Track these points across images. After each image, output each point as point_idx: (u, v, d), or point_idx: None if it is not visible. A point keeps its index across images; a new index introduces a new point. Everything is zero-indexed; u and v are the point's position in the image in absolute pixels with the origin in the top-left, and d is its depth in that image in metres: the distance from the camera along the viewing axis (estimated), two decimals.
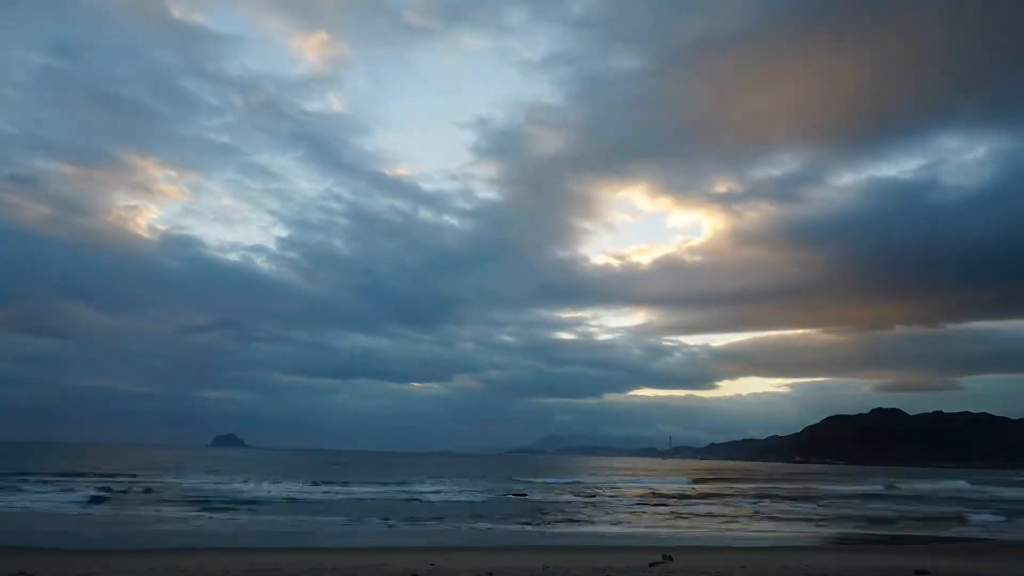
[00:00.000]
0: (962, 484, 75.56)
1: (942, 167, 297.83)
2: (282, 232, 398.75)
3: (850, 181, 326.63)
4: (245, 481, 48.77)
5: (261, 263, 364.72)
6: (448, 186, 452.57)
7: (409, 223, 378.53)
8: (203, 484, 45.78)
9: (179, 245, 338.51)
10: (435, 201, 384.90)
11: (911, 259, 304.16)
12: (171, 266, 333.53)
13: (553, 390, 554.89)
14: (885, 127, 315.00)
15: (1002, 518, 34.82)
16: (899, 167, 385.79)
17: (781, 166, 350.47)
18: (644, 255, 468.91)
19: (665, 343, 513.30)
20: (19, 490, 36.81)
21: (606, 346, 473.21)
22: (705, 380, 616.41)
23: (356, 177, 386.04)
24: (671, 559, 15.86)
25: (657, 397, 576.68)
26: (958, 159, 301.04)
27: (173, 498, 35.72)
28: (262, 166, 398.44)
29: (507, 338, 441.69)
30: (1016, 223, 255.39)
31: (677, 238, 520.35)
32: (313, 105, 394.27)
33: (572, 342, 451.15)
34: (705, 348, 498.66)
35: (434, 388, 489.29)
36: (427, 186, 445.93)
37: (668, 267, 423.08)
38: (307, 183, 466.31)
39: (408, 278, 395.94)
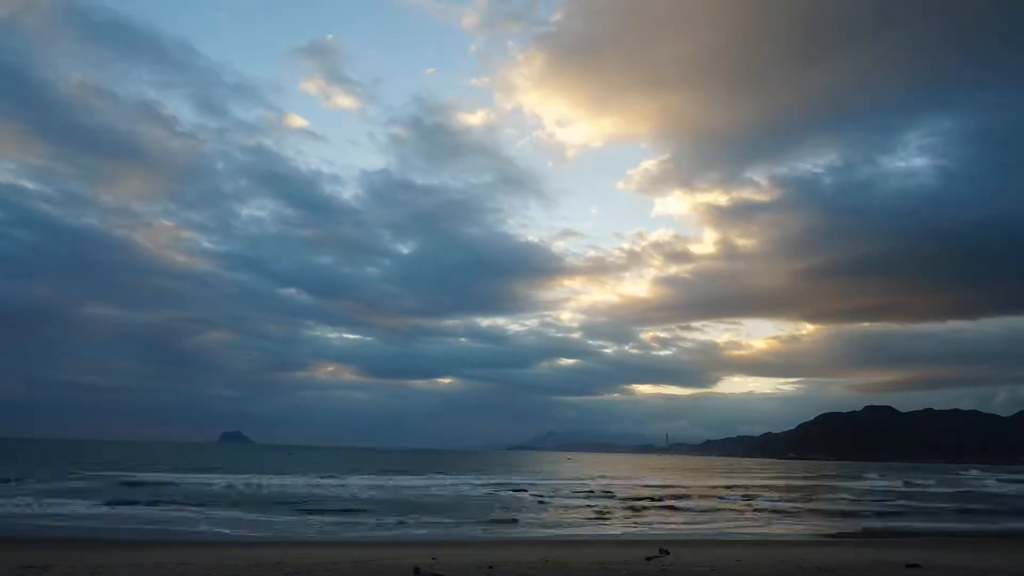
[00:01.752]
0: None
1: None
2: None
3: (843, 176, 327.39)
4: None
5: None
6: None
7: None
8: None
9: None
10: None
11: (908, 257, 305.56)
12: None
13: (553, 388, 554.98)
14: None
15: None
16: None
17: (768, 153, 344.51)
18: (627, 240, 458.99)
19: (663, 340, 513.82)
20: None
21: (604, 344, 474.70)
22: (703, 378, 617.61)
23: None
24: (667, 553, 16.21)
25: (655, 395, 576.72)
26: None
27: None
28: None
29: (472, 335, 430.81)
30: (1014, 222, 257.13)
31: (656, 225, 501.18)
32: None
33: (564, 338, 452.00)
34: (703, 346, 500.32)
35: (431, 385, 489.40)
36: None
37: (658, 261, 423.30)
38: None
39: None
